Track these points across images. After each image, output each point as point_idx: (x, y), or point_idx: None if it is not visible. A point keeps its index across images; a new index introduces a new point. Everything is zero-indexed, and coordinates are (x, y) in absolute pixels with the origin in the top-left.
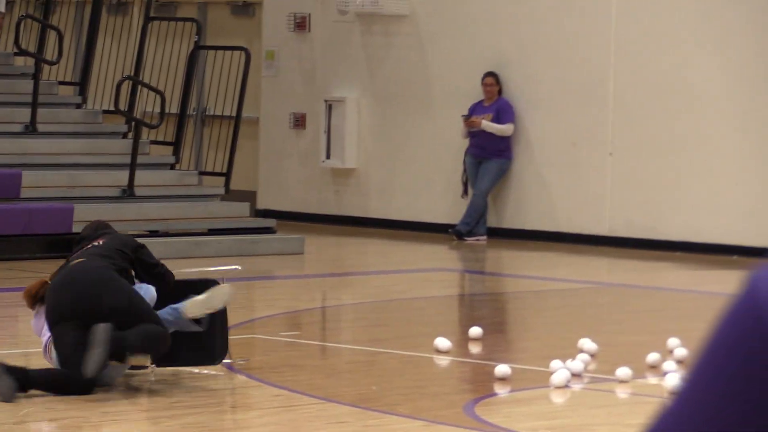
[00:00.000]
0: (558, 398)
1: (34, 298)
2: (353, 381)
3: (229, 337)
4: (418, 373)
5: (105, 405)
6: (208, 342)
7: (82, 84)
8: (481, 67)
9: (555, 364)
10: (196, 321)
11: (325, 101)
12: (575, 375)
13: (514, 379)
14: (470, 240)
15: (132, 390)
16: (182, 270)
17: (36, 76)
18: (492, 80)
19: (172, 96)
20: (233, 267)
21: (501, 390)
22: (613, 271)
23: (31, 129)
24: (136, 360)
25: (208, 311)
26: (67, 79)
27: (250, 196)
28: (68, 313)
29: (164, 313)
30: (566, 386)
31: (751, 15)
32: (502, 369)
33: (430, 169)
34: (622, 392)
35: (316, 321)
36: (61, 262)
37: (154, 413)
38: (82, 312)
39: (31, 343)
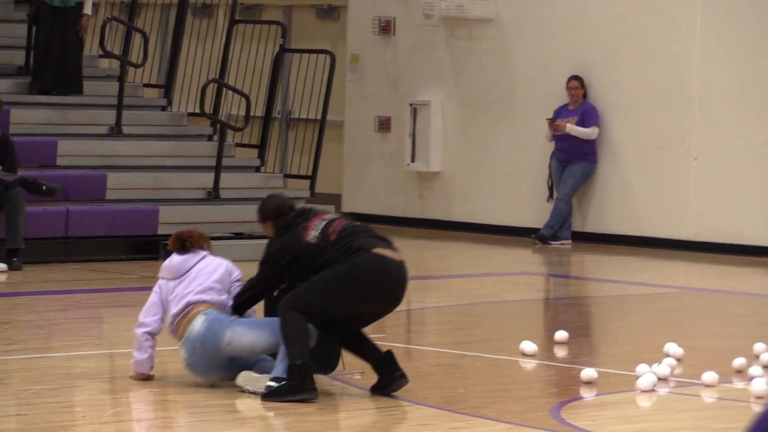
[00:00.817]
0: (644, 402)
1: (184, 243)
2: (439, 384)
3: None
4: (504, 376)
5: (192, 405)
6: (322, 351)
7: (167, 86)
8: (565, 70)
9: (641, 368)
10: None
11: (410, 105)
12: (661, 379)
13: (600, 382)
14: (555, 244)
15: (219, 391)
16: None
17: (121, 79)
18: (577, 83)
19: (257, 99)
20: None
21: (587, 393)
22: (698, 276)
23: (116, 131)
24: None
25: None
26: (153, 82)
27: (334, 199)
28: (374, 313)
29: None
30: (652, 390)
31: None
32: (588, 372)
33: (514, 173)
34: (708, 396)
35: (401, 324)
36: (148, 263)
37: (240, 414)
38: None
39: (116, 344)
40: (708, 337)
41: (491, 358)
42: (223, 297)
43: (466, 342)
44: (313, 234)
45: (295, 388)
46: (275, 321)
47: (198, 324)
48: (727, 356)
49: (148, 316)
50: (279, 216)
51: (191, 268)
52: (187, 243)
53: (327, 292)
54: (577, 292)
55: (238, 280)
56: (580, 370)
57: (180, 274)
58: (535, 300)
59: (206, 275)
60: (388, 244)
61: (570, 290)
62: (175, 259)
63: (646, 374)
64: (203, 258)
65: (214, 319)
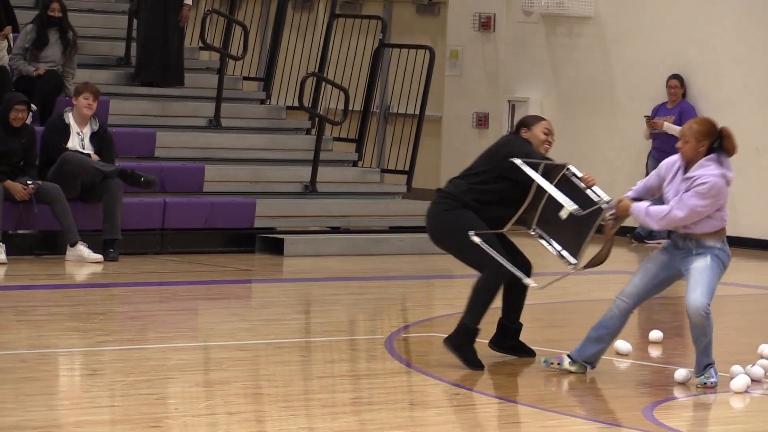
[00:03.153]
0: (737, 403)
1: None
2: (531, 382)
3: (409, 335)
4: (597, 375)
5: (284, 399)
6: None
7: (266, 79)
8: (664, 69)
9: (735, 369)
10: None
11: (509, 101)
12: (755, 381)
13: (694, 383)
14: (651, 243)
15: (312, 384)
16: None
17: (221, 71)
18: (677, 82)
19: (356, 93)
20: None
21: (680, 394)
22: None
23: (215, 123)
24: None
25: None
26: (252, 75)
27: (431, 195)
28: None
29: None
30: (746, 392)
31: None
32: (682, 373)
33: (612, 171)
34: None
35: (494, 321)
36: (244, 256)
37: (333, 408)
38: None
39: (211, 337)
40: None
41: None
42: None
43: (558, 340)
44: None
45: None
46: None
47: None
48: None
49: None
50: None
51: None
52: None
53: None
54: (672, 291)
55: None
56: (674, 370)
57: None
58: None
59: None
60: None
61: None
62: None
63: (739, 375)
64: None
65: None
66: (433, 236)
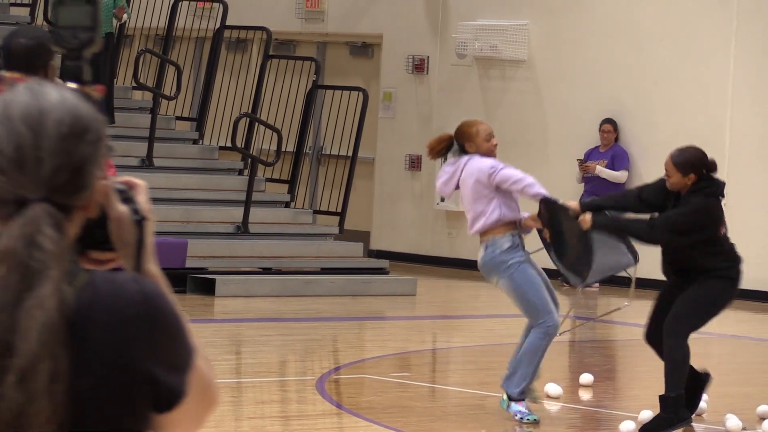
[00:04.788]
0: None
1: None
2: (462, 424)
3: (340, 377)
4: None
5: None
6: None
7: (199, 120)
8: (597, 113)
9: (643, 414)
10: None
11: None
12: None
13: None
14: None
15: (240, 427)
16: None
17: (154, 111)
18: (610, 127)
19: (289, 134)
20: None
21: None
22: (724, 322)
23: (147, 163)
24: None
25: None
26: (185, 115)
27: (363, 237)
28: None
29: None
30: None
31: None
32: (627, 426)
33: None
34: None
35: (426, 363)
36: (175, 296)
37: None
38: None
39: None
40: (732, 383)
41: None
42: None
43: (490, 382)
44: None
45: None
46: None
47: None
48: (750, 402)
49: None
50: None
51: None
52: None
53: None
54: (603, 335)
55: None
56: (605, 413)
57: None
58: (560, 342)
59: None
60: None
61: (596, 333)
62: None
63: (625, 421)
64: None
65: None
66: None
